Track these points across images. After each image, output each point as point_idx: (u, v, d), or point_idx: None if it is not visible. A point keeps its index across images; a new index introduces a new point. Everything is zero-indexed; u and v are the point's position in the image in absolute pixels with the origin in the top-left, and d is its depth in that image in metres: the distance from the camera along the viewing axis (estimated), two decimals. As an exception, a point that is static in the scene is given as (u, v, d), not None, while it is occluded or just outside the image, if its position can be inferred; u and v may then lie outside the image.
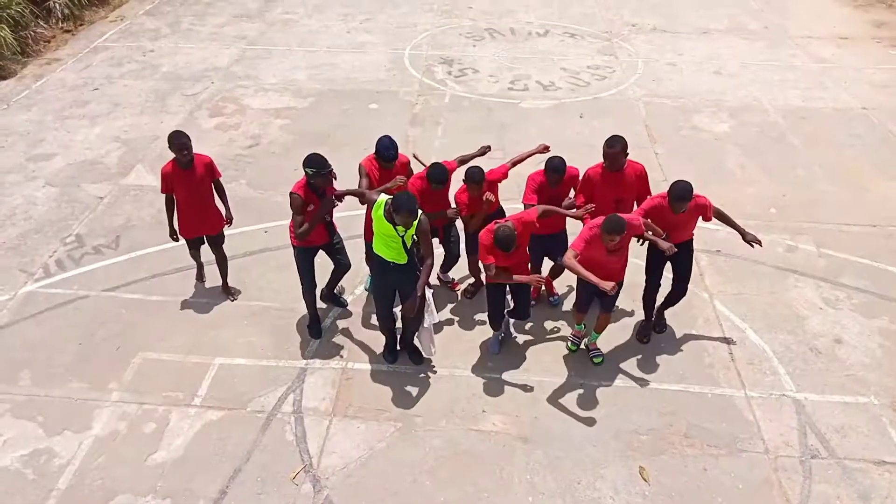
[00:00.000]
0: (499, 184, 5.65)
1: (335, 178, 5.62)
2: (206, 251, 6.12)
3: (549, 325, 5.89)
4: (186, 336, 5.76)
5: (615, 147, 5.26)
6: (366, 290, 6.18)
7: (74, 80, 10.29)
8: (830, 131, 8.95)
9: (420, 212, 4.74)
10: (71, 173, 8.02)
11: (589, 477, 4.65)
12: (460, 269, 6.24)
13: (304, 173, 5.19)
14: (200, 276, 6.25)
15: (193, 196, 5.65)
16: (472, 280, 6.22)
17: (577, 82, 10.24)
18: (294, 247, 5.46)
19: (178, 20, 12.51)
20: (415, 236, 4.88)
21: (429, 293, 5.14)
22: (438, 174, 5.37)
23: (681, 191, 4.96)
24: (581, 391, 5.28)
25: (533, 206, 5.20)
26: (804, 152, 8.49)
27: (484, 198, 5.32)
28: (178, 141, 5.46)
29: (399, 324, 5.41)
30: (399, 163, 5.57)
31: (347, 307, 6.06)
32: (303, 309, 5.76)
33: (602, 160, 5.36)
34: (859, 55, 11.23)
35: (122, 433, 4.95)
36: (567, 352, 5.61)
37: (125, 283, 6.33)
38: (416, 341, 5.44)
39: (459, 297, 6.19)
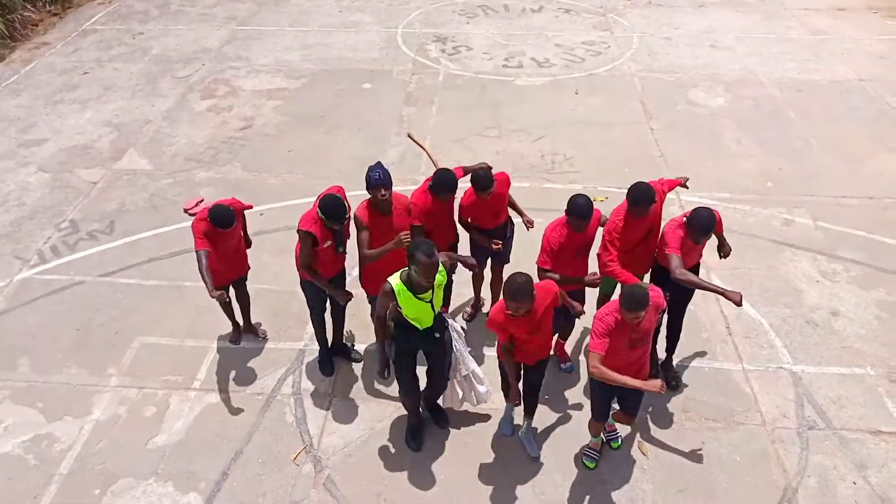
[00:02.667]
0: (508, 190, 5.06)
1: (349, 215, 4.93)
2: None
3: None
4: (184, 320, 5.75)
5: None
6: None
7: (64, 63, 10.16)
8: (827, 104, 8.91)
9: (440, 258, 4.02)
10: (63, 158, 7.96)
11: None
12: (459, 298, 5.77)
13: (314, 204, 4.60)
14: (236, 338, 5.54)
15: (228, 247, 4.98)
16: (471, 301, 5.73)
17: (572, 58, 10.15)
18: (302, 279, 4.93)
19: (167, 1, 12.32)
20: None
21: (459, 342, 4.55)
22: (447, 182, 4.65)
23: (706, 226, 4.34)
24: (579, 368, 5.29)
25: (547, 270, 4.49)
26: (801, 125, 8.45)
27: (493, 246, 4.85)
28: (225, 219, 4.71)
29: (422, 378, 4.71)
30: (400, 203, 4.72)
31: (360, 359, 5.42)
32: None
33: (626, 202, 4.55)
34: (856, 26, 11.13)
35: (122, 418, 4.96)
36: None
37: (121, 269, 6.31)
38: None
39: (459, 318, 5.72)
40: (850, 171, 7.57)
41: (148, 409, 5.01)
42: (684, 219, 4.43)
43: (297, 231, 4.59)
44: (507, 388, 4.52)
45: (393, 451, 4.72)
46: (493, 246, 4.91)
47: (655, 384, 3.82)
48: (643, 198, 4.42)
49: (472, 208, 4.94)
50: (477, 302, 5.74)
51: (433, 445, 4.76)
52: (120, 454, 4.71)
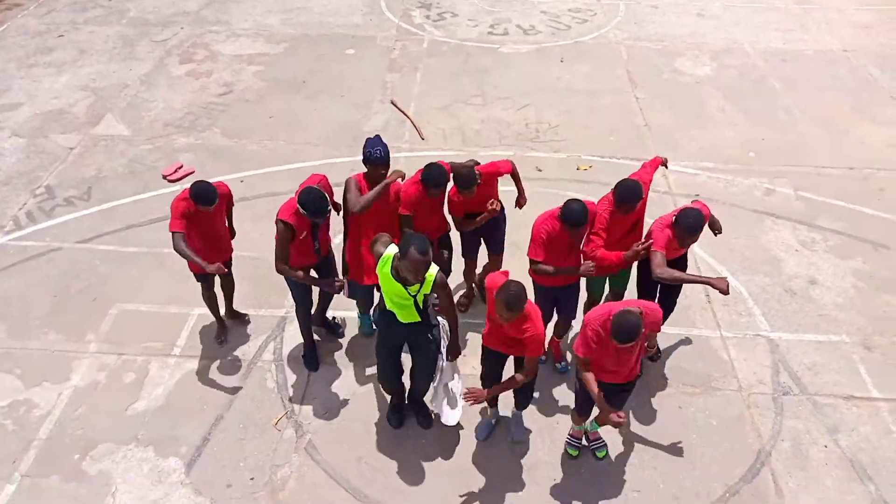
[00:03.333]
0: (498, 178, 4.87)
1: (338, 212, 4.86)
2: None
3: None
4: (163, 287, 5.70)
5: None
6: (363, 333, 5.32)
7: (37, 25, 9.88)
8: (811, 74, 8.90)
9: (436, 268, 3.92)
10: (38, 123, 7.78)
11: (567, 417, 4.72)
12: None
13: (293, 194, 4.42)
14: (222, 336, 5.26)
15: (210, 230, 4.77)
16: (464, 291, 5.51)
17: (558, 26, 10.03)
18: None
19: (144, -38, 11.97)
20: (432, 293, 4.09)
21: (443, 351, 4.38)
22: (437, 176, 4.50)
23: (692, 227, 4.24)
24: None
25: (539, 262, 4.35)
26: (784, 95, 8.44)
27: (488, 205, 4.64)
28: (206, 196, 4.51)
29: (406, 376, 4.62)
30: (393, 189, 4.64)
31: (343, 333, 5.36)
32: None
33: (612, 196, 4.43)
34: (842, -4, 11.08)
35: (101, 384, 4.94)
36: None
37: (98, 235, 6.22)
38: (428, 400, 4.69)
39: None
40: (833, 142, 7.60)
41: (127, 376, 4.99)
42: (673, 218, 4.33)
43: (276, 221, 4.41)
44: (486, 382, 4.32)
45: (374, 416, 4.75)
46: (490, 206, 4.66)
47: (613, 419, 3.84)
48: (631, 196, 4.33)
49: (461, 201, 4.79)
50: (469, 292, 5.52)
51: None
52: (99, 420, 4.69)
